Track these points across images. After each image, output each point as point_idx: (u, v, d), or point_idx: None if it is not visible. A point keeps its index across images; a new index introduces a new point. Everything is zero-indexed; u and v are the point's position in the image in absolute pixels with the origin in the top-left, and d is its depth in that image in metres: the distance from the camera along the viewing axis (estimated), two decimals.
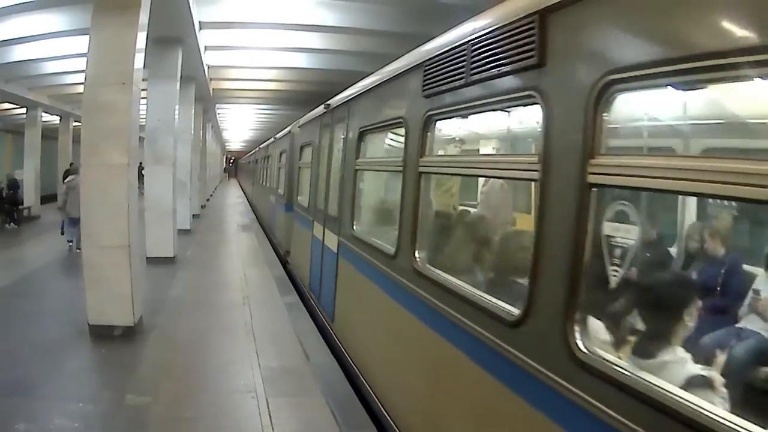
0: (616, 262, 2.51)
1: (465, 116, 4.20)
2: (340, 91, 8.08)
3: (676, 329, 2.65)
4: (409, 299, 4.45)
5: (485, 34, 3.41)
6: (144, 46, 7.49)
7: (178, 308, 9.01)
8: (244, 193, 42.86)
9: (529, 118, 3.14)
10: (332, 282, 7.27)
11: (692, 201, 4.02)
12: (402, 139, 4.82)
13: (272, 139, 20.46)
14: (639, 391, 2.09)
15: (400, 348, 4.85)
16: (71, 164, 23.01)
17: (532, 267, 2.76)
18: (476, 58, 3.46)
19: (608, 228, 2.52)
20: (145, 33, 7.48)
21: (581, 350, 2.41)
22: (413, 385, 4.44)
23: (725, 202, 3.46)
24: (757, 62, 1.73)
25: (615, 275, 2.52)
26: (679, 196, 3.71)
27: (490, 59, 3.30)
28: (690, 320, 2.67)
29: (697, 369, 2.50)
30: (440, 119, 4.28)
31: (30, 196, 21.91)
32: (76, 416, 5.07)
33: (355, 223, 6.41)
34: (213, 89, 20.95)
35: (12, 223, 18.79)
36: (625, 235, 2.50)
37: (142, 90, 8.19)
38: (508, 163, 3.67)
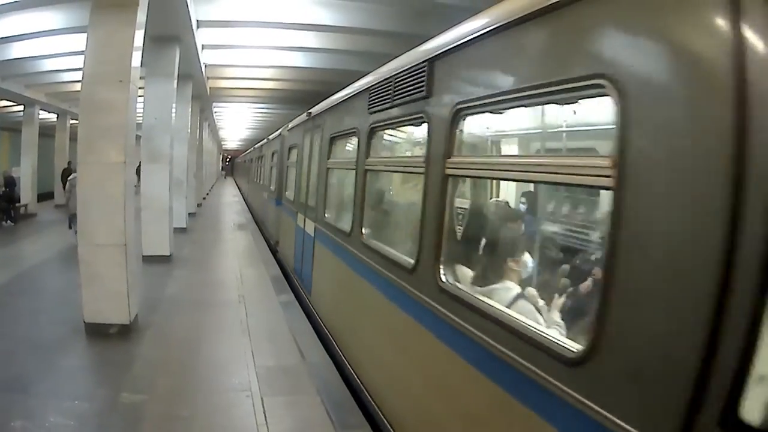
0: (459, 224, 4.03)
1: (393, 128, 5.62)
2: (326, 98, 8.90)
3: (501, 268, 3.81)
4: (357, 265, 5.95)
5: (401, 71, 4.78)
6: (141, 45, 7.51)
7: (174, 306, 9.02)
8: (241, 191, 42.86)
9: (422, 132, 4.36)
10: (310, 261, 8.87)
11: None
12: (356, 144, 6.27)
13: (265, 140, 22.64)
14: (473, 304, 3.38)
15: (351, 304, 6.48)
16: (69, 162, 23.05)
17: (419, 231, 4.18)
18: (397, 87, 4.86)
19: (457, 202, 3.92)
20: (142, 31, 7.48)
21: (443, 282, 3.80)
22: (357, 324, 6.19)
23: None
24: (529, 95, 2.94)
25: (459, 232, 4.05)
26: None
27: (402, 90, 4.71)
28: (515, 264, 3.81)
29: (517, 293, 3.65)
30: (378, 130, 5.70)
31: (27, 194, 21.89)
32: (71, 414, 5.08)
33: (326, 211, 7.95)
34: (210, 88, 20.94)
35: (8, 221, 18.78)
36: (464, 206, 4.08)
37: (140, 88, 8.18)
38: (411, 163, 5.06)
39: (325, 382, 5.98)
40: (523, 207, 4.69)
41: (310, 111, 9.82)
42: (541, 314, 3.51)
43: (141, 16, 7.38)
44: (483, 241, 4.24)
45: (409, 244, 4.96)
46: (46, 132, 25.33)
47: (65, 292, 8.94)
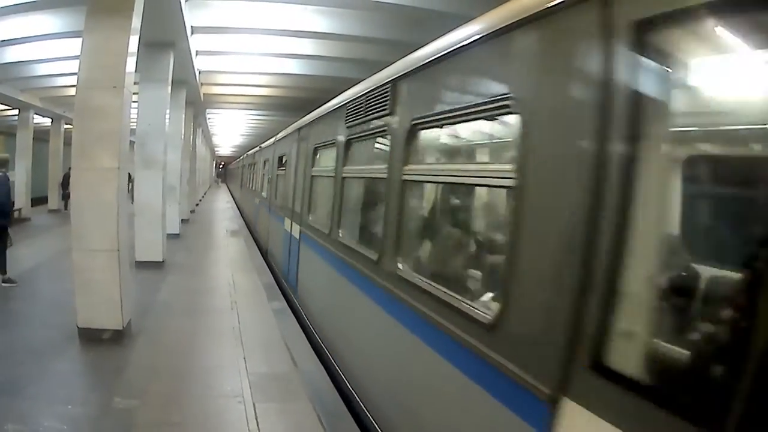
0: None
1: (365, 141, 6.23)
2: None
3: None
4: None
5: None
6: (136, 50, 7.51)
7: (167, 312, 9.01)
8: (233, 197, 42.90)
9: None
10: (238, 193, 30.30)
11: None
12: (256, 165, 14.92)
13: (240, 158, 35.92)
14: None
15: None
16: (70, 169, 22.98)
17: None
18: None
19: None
20: (137, 37, 7.50)
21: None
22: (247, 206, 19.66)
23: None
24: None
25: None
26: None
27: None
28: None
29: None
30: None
31: (21, 198, 21.80)
32: (64, 418, 5.07)
33: (247, 184, 24.28)
34: (204, 94, 20.94)
35: None
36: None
37: (133, 94, 8.19)
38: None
39: (317, 389, 5.98)
40: None
41: (247, 152, 21.52)
42: None
43: (136, 22, 7.40)
44: None
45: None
46: (41, 137, 25.25)
47: (59, 297, 8.90)
